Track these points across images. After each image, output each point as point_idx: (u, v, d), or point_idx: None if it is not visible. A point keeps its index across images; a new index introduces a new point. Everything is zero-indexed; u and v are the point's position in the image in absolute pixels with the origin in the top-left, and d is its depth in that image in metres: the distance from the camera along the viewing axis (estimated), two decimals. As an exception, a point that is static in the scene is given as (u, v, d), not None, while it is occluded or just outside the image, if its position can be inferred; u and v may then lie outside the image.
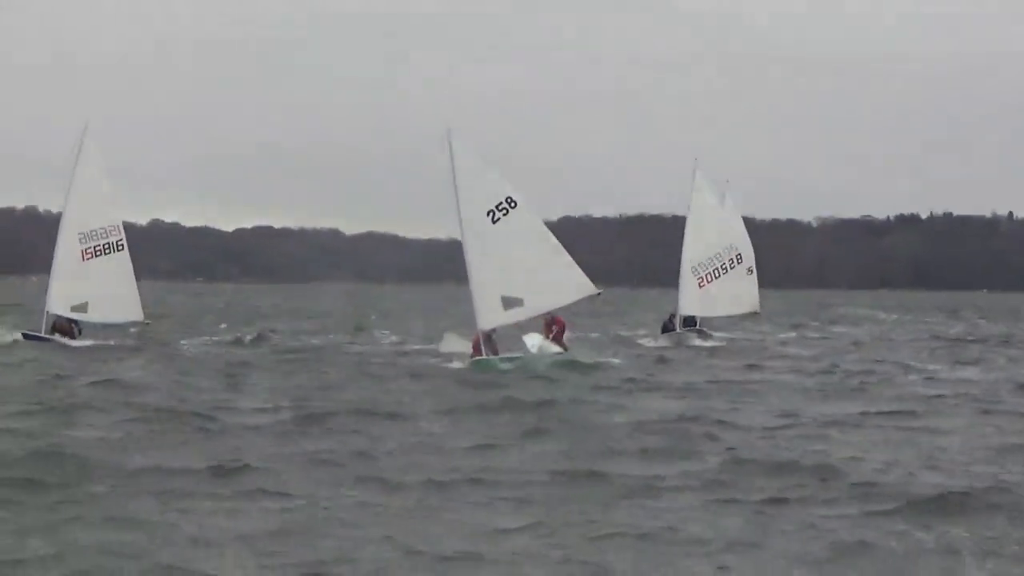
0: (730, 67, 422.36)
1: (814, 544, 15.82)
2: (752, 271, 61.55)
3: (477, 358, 41.43)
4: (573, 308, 44.23)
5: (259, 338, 58.27)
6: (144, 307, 52.40)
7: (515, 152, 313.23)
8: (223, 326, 71.06)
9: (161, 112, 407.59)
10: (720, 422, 27.10)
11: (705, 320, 60.42)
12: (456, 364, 41.99)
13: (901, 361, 48.09)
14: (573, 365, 41.01)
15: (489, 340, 41.76)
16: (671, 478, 20.19)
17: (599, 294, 43.51)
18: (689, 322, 59.52)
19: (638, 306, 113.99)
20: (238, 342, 56.17)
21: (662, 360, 46.75)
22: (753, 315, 62.62)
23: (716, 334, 59.58)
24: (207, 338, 58.28)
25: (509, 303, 41.74)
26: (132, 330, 55.25)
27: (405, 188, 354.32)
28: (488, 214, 41.97)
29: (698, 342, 56.23)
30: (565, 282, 42.37)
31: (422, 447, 23.26)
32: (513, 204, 42.14)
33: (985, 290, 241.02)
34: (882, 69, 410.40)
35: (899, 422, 27.77)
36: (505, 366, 40.30)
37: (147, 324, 53.91)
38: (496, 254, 41.74)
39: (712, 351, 52.27)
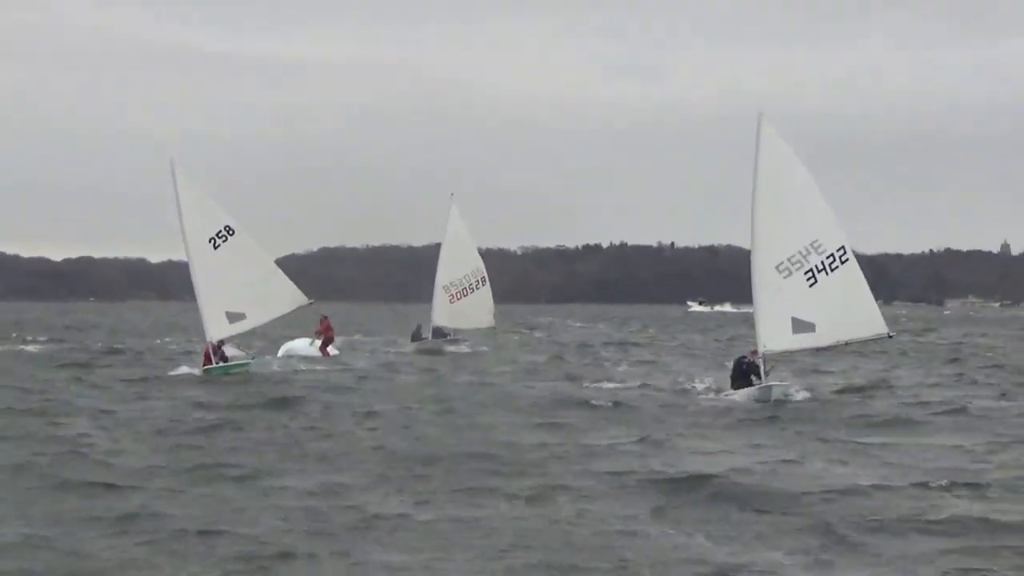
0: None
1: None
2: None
3: (207, 367, 39.40)
4: (290, 317, 42.73)
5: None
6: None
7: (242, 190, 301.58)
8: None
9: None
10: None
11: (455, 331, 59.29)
12: (184, 370, 40.30)
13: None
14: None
15: (217, 350, 39.63)
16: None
17: (311, 303, 41.90)
18: (438, 333, 58.44)
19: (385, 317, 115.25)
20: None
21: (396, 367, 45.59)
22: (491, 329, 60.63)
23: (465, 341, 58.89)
24: None
25: (233, 317, 40.01)
26: None
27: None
28: (210, 241, 40.02)
29: (451, 348, 55.65)
30: (280, 295, 40.80)
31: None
32: (231, 231, 40.26)
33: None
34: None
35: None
36: (235, 370, 39.08)
37: None
38: (219, 275, 39.70)
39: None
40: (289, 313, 41.46)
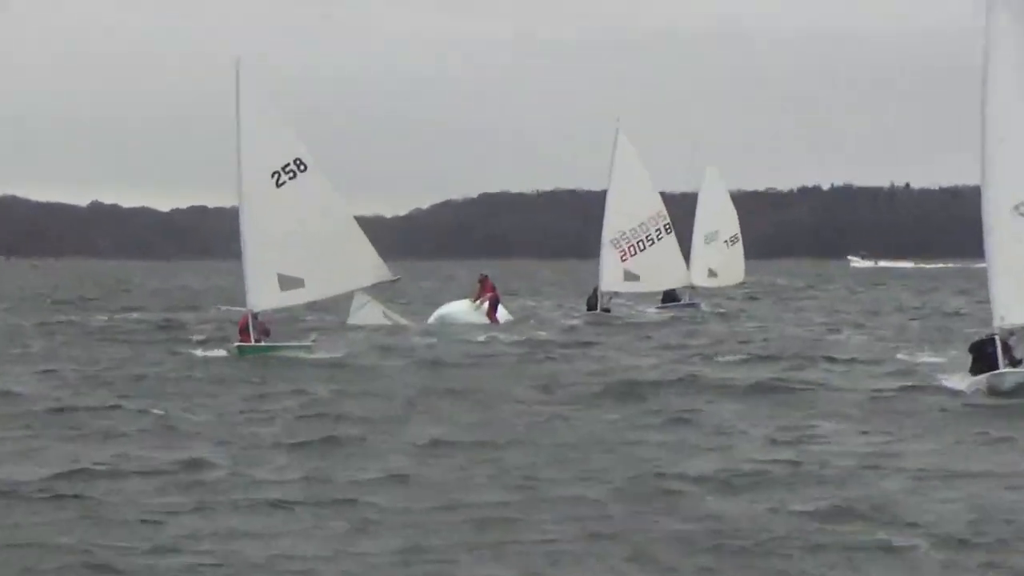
0: (637, 47, 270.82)
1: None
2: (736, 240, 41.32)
3: (240, 343, 21.15)
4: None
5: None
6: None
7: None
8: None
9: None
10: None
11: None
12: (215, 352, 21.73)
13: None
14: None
15: (256, 322, 21.21)
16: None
17: (396, 280, 22.96)
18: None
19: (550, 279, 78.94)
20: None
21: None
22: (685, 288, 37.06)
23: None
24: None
25: (286, 283, 21.37)
26: None
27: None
28: (272, 175, 21.37)
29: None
30: (356, 264, 21.92)
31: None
32: (303, 167, 21.52)
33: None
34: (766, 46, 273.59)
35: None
36: (277, 352, 20.78)
37: None
38: (276, 223, 21.25)
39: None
40: (365, 288, 22.59)
